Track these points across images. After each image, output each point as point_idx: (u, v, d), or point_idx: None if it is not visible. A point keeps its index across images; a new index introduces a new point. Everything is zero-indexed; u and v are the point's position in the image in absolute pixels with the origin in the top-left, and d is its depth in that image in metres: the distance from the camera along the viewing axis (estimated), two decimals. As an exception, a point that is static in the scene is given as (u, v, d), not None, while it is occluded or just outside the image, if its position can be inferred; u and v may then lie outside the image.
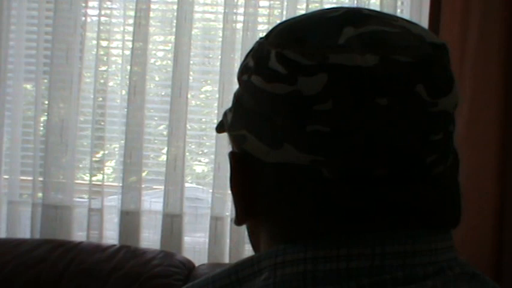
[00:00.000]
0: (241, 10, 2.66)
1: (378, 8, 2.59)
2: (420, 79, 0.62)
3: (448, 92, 0.64)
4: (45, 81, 2.73)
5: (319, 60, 0.62)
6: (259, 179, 0.67)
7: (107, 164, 2.83)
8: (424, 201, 0.64)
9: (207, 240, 2.65)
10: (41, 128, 2.75)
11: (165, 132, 2.73)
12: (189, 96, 2.68)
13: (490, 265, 2.32)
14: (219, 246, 2.63)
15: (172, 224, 2.65)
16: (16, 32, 2.77)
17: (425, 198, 0.64)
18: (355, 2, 2.63)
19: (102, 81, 2.76)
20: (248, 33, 2.63)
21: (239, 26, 2.66)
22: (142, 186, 2.69)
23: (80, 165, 2.82)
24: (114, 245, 2.53)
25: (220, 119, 0.67)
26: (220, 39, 2.67)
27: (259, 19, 2.70)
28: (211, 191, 2.65)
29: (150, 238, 2.71)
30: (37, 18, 2.75)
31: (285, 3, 2.67)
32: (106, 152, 2.79)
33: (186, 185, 2.70)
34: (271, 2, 2.70)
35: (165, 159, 2.68)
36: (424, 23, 2.51)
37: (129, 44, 2.69)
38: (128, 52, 2.70)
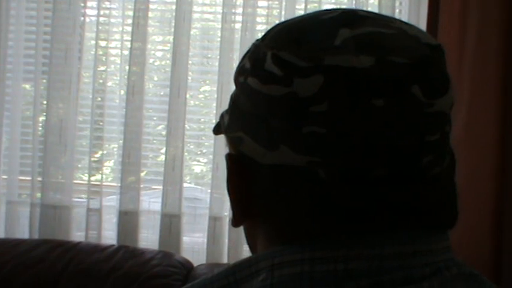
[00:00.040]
0: (239, 10, 2.66)
1: (376, 9, 2.59)
2: (416, 80, 0.62)
3: (444, 93, 0.64)
4: (44, 81, 2.73)
5: (314, 61, 0.62)
6: (256, 181, 0.67)
7: (106, 164, 2.83)
8: (422, 201, 0.64)
9: (205, 240, 2.65)
10: (40, 128, 2.75)
11: (163, 132, 2.73)
12: (187, 96, 2.68)
13: (489, 265, 2.32)
14: (217, 246, 2.63)
15: (170, 224, 2.65)
16: (15, 32, 2.77)
17: (423, 199, 0.64)
18: (354, 2, 2.63)
19: (100, 81, 2.76)
20: (247, 33, 2.63)
21: (238, 26, 2.66)
22: (141, 186, 2.69)
23: (79, 165, 2.82)
24: (113, 245, 2.53)
25: (218, 119, 0.67)
26: (219, 39, 2.67)
27: (258, 19, 2.70)
28: (209, 191, 2.65)
29: (148, 238, 2.71)
30: (36, 18, 2.75)
31: (284, 4, 2.67)
32: (105, 152, 2.79)
33: (185, 185, 2.70)
34: (270, 2, 2.70)
35: (163, 159, 2.68)
36: (422, 24, 2.51)
37: (128, 44, 2.69)
38: (126, 52, 2.70)
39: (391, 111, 0.61)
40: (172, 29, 2.67)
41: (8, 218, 2.75)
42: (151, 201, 2.74)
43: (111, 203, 2.73)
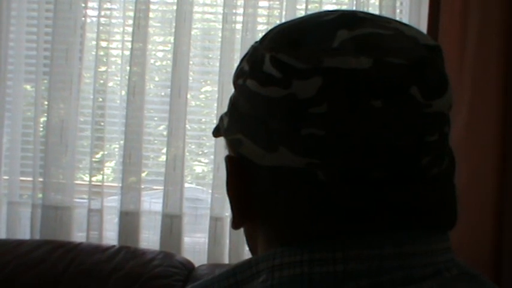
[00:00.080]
0: (240, 10, 2.66)
1: (376, 10, 2.59)
2: (414, 81, 0.62)
3: (443, 94, 0.64)
4: (45, 81, 2.73)
5: (313, 63, 0.62)
6: (255, 183, 0.67)
7: (107, 164, 2.83)
8: (422, 201, 0.64)
9: (206, 240, 2.65)
10: (41, 129, 2.75)
11: (164, 133, 2.73)
12: (188, 96, 2.68)
13: (489, 265, 2.32)
14: (218, 247, 2.63)
15: (172, 224, 2.65)
16: (16, 33, 2.77)
17: (423, 199, 0.64)
18: (354, 2, 2.63)
19: (101, 81, 2.76)
20: (247, 33, 2.63)
21: (238, 26, 2.66)
22: (142, 186, 2.69)
23: (80, 166, 2.82)
24: (114, 246, 2.53)
25: (218, 121, 0.67)
26: (220, 39, 2.67)
27: (259, 19, 2.70)
28: (210, 191, 2.65)
29: (149, 239, 2.71)
30: (37, 18, 2.75)
31: (284, 4, 2.66)
32: (106, 152, 2.79)
33: (186, 185, 2.70)
34: (271, 2, 2.70)
35: (164, 159, 2.68)
36: (423, 24, 2.51)
37: (129, 45, 2.69)
38: (127, 52, 2.70)
39: (390, 112, 0.61)
40: (173, 30, 2.67)
41: (9, 219, 2.75)
42: (152, 202, 2.74)
43: (112, 203, 2.73)
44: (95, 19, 2.75)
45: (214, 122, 2.71)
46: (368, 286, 0.61)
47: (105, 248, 2.50)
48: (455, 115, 2.26)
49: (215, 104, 2.66)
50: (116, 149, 2.81)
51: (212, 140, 2.70)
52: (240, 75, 0.69)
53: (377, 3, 2.61)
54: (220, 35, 2.67)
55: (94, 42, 2.74)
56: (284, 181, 0.65)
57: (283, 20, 2.60)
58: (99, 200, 2.71)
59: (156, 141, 2.84)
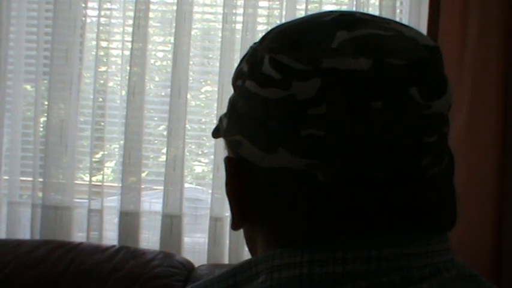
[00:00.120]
0: (240, 10, 2.66)
1: (376, 10, 2.59)
2: (414, 82, 0.62)
3: (442, 95, 0.64)
4: (45, 81, 2.73)
5: (312, 64, 0.62)
6: (255, 184, 0.67)
7: (107, 164, 2.83)
8: (422, 201, 0.64)
9: (206, 240, 2.65)
10: (41, 129, 2.75)
11: (164, 133, 2.73)
12: (188, 96, 2.68)
13: (489, 265, 2.32)
14: (218, 247, 2.63)
15: (171, 224, 2.65)
16: (16, 33, 2.77)
17: (423, 199, 0.64)
18: (354, 2, 2.63)
19: (101, 81, 2.76)
20: (247, 33, 2.63)
21: (238, 26, 2.65)
22: (142, 186, 2.69)
23: (80, 166, 2.82)
24: (114, 246, 2.53)
25: (217, 122, 0.67)
26: (220, 39, 2.67)
27: (259, 19, 2.70)
28: (210, 191, 2.65)
29: (149, 239, 2.71)
30: (37, 19, 2.75)
31: (284, 4, 2.66)
32: (106, 152, 2.79)
33: (186, 185, 2.70)
34: (271, 2, 2.70)
35: (164, 159, 2.68)
36: (423, 24, 2.51)
37: (129, 45, 2.69)
38: (127, 53, 2.70)
39: (389, 114, 0.61)
40: (173, 30, 2.67)
41: (9, 219, 2.75)
42: (152, 202, 2.74)
43: (112, 203, 2.73)
44: (95, 19, 2.75)
45: (214, 122, 2.71)
46: (366, 287, 0.61)
47: (105, 248, 2.50)
48: (455, 114, 2.26)
49: (215, 104, 2.66)
50: (116, 149, 2.81)
51: (212, 140, 2.70)
52: (239, 76, 0.69)
53: (377, 3, 2.61)
54: (220, 35, 2.67)
55: (94, 42, 2.74)
56: (283, 182, 0.65)
57: (283, 20, 2.60)
58: (99, 200, 2.71)
59: (156, 141, 2.84)
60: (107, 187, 2.75)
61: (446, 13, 2.40)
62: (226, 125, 0.71)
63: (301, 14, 2.63)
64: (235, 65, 2.57)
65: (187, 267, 2.46)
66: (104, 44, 2.75)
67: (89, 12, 2.76)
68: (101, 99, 2.76)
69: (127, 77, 2.67)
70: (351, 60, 0.62)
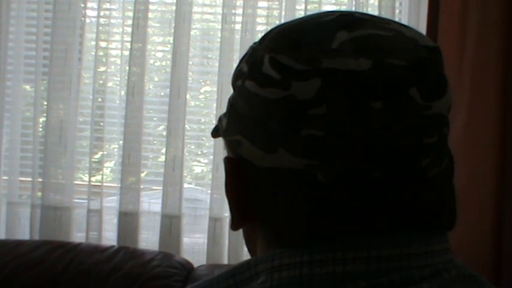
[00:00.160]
0: (239, 11, 2.66)
1: (376, 10, 2.59)
2: (414, 82, 0.62)
3: (442, 95, 0.64)
4: (45, 82, 2.73)
5: (312, 65, 0.62)
6: (255, 184, 0.67)
7: (106, 164, 2.83)
8: (422, 202, 0.64)
9: (205, 241, 2.65)
10: (40, 129, 2.75)
11: (164, 133, 2.73)
12: (188, 96, 2.68)
13: (489, 266, 2.32)
14: (217, 247, 2.63)
15: (171, 225, 2.65)
16: (15, 33, 2.77)
17: (423, 199, 0.64)
18: (354, 3, 2.62)
19: (101, 81, 2.76)
20: (247, 33, 2.63)
21: (238, 26, 2.65)
22: (141, 187, 2.69)
23: (79, 166, 2.82)
24: (113, 246, 2.53)
25: (217, 122, 0.67)
26: (219, 39, 2.67)
27: (258, 20, 2.70)
28: (210, 191, 2.65)
29: (148, 239, 2.71)
30: (36, 19, 2.75)
31: (284, 4, 2.66)
32: (105, 152, 2.79)
33: (185, 185, 2.70)
34: (270, 2, 2.70)
35: (163, 159, 2.68)
36: (422, 25, 2.51)
37: (128, 45, 2.69)
38: (126, 53, 2.70)
39: (389, 114, 0.61)
40: (173, 30, 2.67)
41: (8, 219, 2.75)
42: (151, 202, 2.74)
43: (111, 203, 2.73)
44: (94, 19, 2.75)
45: (214, 122, 2.71)
46: (366, 287, 0.61)
47: (104, 248, 2.50)
48: (454, 115, 2.26)
49: (214, 104, 2.66)
50: (115, 149, 2.81)
51: (211, 141, 2.70)
52: (239, 76, 0.69)
53: (376, 3, 2.61)
54: (219, 35, 2.67)
55: (93, 43, 2.74)
56: (283, 182, 0.64)
57: (283, 21, 2.60)
58: (98, 200, 2.71)
59: (155, 142, 2.84)
60: (106, 187, 2.75)
61: (445, 14, 2.40)
62: (226, 125, 0.71)
63: (300, 14, 2.63)
64: (235, 65, 2.56)
65: (187, 268, 2.46)
66: (103, 44, 2.75)
67: (88, 12, 2.76)
68: (100, 100, 2.76)
69: (126, 77, 2.67)
70: (351, 60, 0.62)
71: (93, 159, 2.76)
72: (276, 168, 0.64)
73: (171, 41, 2.67)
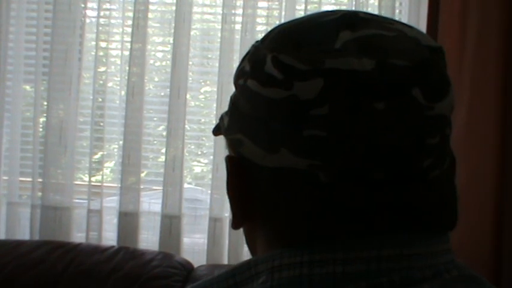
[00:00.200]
0: (239, 11, 2.66)
1: (376, 10, 2.59)
2: (417, 83, 0.62)
3: (445, 96, 0.64)
4: (45, 82, 2.73)
5: (315, 64, 0.62)
6: (256, 183, 0.67)
7: (106, 164, 2.83)
8: (422, 202, 0.64)
9: (205, 241, 2.65)
10: (40, 129, 2.75)
11: (164, 133, 2.73)
12: (188, 97, 2.68)
13: (489, 265, 2.32)
14: (218, 248, 2.63)
15: (171, 225, 2.65)
16: (15, 33, 2.77)
17: (424, 200, 0.64)
18: (354, 2, 2.62)
19: (101, 82, 2.76)
20: (247, 34, 2.63)
21: (238, 26, 2.65)
22: (141, 187, 2.69)
23: (79, 166, 2.82)
24: (113, 246, 2.53)
25: (218, 120, 0.67)
26: (219, 40, 2.67)
27: (258, 20, 2.70)
28: (210, 192, 2.65)
29: (148, 239, 2.71)
30: (36, 19, 2.75)
31: (284, 4, 2.66)
32: (105, 152, 2.79)
33: (185, 185, 2.70)
34: (270, 3, 2.70)
35: (163, 160, 2.68)
36: (422, 25, 2.51)
37: (128, 45, 2.69)
38: (126, 53, 2.70)
39: (392, 115, 0.61)
40: (173, 30, 2.67)
41: (8, 219, 2.75)
42: (151, 202, 2.74)
43: (111, 204, 2.73)
44: (94, 19, 2.75)
45: (214, 122, 2.71)
46: (366, 287, 0.61)
47: (104, 248, 2.50)
48: (454, 115, 2.26)
49: (214, 105, 2.66)
50: (115, 150, 2.81)
51: (211, 141, 2.70)
52: (241, 75, 0.69)
53: (376, 3, 2.61)
54: (219, 35, 2.67)
55: (93, 43, 2.74)
56: (285, 182, 0.64)
57: (283, 21, 2.60)
58: (98, 200, 2.71)
59: (155, 142, 2.84)
60: (106, 187, 2.75)
61: (445, 14, 2.40)
62: (228, 124, 0.70)
63: (300, 14, 2.63)
64: (235, 65, 2.57)
65: (187, 268, 2.46)
66: (103, 44, 2.75)
67: (88, 12, 2.76)
68: (100, 100, 2.76)
69: (126, 78, 2.67)
70: (354, 60, 0.61)
71: (93, 159, 2.76)
72: (277, 168, 0.64)
73: (171, 41, 2.67)
